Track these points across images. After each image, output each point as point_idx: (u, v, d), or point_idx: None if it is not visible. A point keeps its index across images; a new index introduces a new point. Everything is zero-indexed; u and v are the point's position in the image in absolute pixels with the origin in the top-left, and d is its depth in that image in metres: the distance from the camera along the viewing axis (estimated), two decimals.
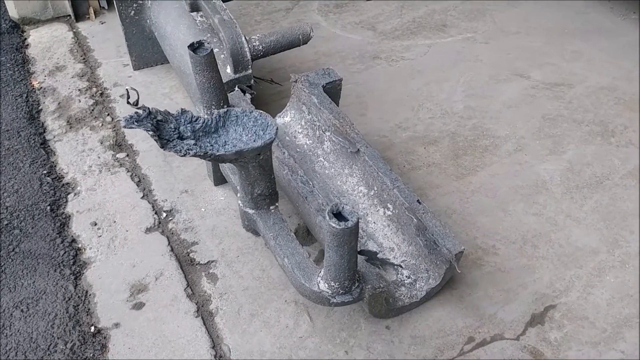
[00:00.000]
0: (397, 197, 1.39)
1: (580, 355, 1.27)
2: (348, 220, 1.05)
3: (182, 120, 1.13)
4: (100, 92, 2.06)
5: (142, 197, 1.65)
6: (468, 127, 1.90)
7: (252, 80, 1.73)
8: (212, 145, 1.14)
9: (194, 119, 1.14)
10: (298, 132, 1.65)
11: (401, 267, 1.34)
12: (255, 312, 1.36)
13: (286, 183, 1.44)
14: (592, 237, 1.53)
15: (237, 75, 1.70)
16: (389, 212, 1.43)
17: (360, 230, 1.46)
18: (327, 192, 1.52)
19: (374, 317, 1.32)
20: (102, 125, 1.90)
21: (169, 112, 1.12)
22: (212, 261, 1.48)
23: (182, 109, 1.13)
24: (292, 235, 1.28)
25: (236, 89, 1.62)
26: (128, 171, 1.74)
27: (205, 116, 1.15)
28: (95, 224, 1.58)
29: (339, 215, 1.06)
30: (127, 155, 1.80)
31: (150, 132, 1.06)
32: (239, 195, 1.33)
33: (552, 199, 1.64)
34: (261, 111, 1.18)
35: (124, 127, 1.03)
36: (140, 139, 1.84)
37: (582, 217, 1.58)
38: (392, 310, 1.32)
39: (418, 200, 1.37)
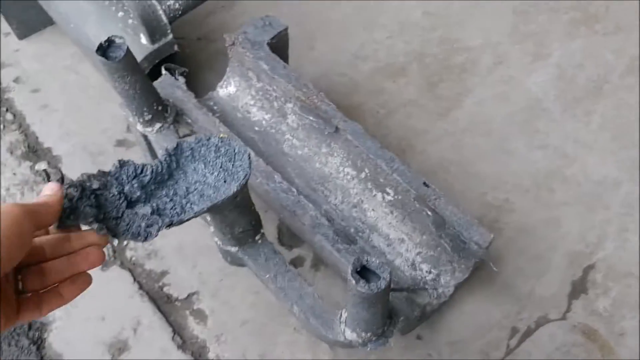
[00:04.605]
0: (399, 182, 1.14)
1: (636, 323, 1.13)
2: (380, 277, 0.82)
3: (125, 178, 0.81)
4: None
5: None
6: (434, 42, 1.62)
7: (176, 46, 1.37)
8: (171, 200, 0.83)
9: (138, 171, 0.82)
10: (250, 105, 1.34)
11: (436, 290, 1.12)
12: (264, 352, 1.15)
13: (263, 193, 1.16)
14: (608, 165, 1.35)
15: (157, 45, 1.34)
16: (390, 198, 1.19)
17: (359, 223, 1.22)
18: (307, 178, 1.26)
19: (402, 334, 1.13)
20: (4, 127, 1.50)
21: (103, 172, 0.80)
22: (193, 293, 1.23)
23: (120, 161, 0.80)
24: (294, 271, 1.03)
25: (163, 72, 1.27)
26: None
27: (152, 163, 0.84)
28: None
29: (364, 270, 0.83)
30: (49, 164, 1.43)
31: (96, 226, 0.74)
32: (212, 230, 1.05)
33: (553, 121, 1.43)
34: (221, 135, 0.88)
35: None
36: (57, 136, 1.47)
37: (592, 140, 1.39)
38: (422, 318, 1.13)
39: (424, 183, 1.13)
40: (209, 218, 0.99)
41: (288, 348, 1.15)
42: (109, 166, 0.79)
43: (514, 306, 1.17)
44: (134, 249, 1.29)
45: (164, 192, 0.82)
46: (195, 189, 0.83)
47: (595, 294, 1.17)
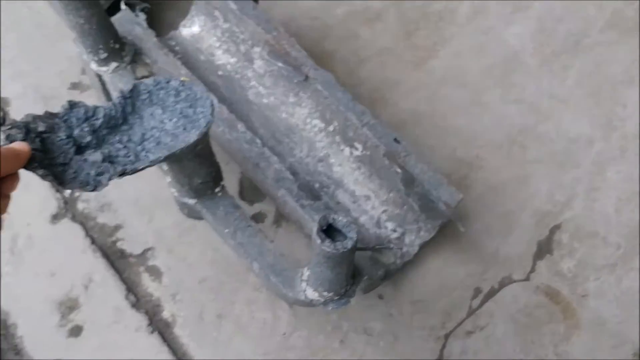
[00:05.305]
0: (369, 137, 1.10)
1: (600, 285, 1.13)
2: (346, 237, 0.78)
3: (74, 121, 0.75)
4: None
5: None
6: None
7: None
8: (125, 147, 0.77)
9: (90, 114, 0.76)
10: (215, 48, 1.27)
11: (400, 249, 1.09)
12: (222, 311, 1.12)
13: (225, 143, 1.11)
14: (582, 121, 1.31)
15: None
16: (358, 153, 1.15)
17: (324, 178, 1.18)
18: (272, 129, 1.20)
19: (364, 293, 1.11)
20: None
21: (51, 114, 0.73)
22: (148, 249, 1.18)
23: (69, 102, 0.74)
24: (254, 226, 0.99)
25: (122, 7, 1.18)
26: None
27: (105, 105, 0.77)
28: None
29: (330, 229, 0.79)
30: None
31: (40, 172, 0.69)
32: (169, 181, 1.00)
33: (530, 76, 1.38)
34: (183, 78, 0.82)
35: None
36: (7, 76, 1.36)
37: (567, 95, 1.35)
38: (385, 277, 1.11)
39: (395, 139, 1.09)
40: (165, 167, 0.94)
41: (247, 307, 1.12)
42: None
43: (479, 266, 1.15)
44: (86, 201, 1.23)
45: (117, 138, 0.76)
46: (151, 136, 0.77)
47: (560, 255, 1.16)
